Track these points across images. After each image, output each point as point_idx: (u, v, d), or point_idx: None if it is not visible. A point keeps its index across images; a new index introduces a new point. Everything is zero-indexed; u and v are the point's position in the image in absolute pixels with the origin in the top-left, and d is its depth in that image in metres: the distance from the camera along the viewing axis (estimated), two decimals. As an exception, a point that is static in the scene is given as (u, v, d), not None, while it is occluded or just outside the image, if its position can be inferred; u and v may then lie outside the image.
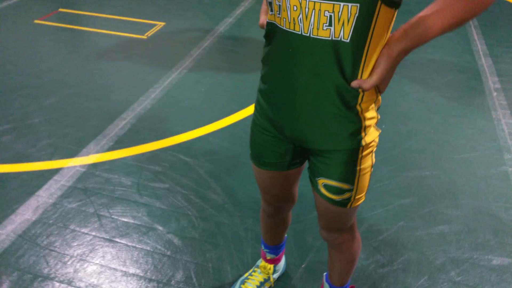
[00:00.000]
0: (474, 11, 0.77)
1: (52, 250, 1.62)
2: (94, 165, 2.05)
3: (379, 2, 0.75)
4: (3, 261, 1.56)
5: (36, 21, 3.64)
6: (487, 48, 3.28)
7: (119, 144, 2.20)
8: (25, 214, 1.77)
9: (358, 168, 0.96)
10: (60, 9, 3.89)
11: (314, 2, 0.75)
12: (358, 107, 0.88)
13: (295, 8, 0.77)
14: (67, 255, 1.60)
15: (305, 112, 0.90)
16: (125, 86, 2.73)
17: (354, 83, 0.83)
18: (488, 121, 2.42)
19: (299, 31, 0.79)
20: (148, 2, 4.15)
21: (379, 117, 0.97)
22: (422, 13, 0.79)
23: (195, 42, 3.29)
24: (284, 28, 0.82)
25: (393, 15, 0.80)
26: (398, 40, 0.80)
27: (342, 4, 0.73)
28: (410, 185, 1.99)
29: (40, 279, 1.51)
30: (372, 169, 1.01)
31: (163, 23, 3.62)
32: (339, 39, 0.78)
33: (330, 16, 0.75)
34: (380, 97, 0.93)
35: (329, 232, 1.16)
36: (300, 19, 0.78)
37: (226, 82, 2.81)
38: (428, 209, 1.86)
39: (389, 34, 0.83)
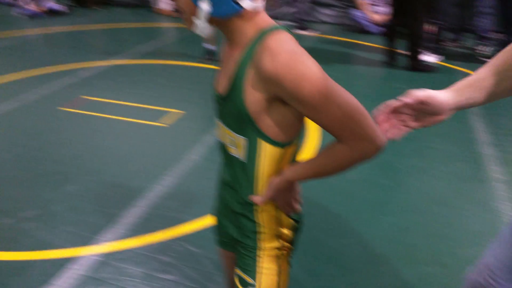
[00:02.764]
0: (330, 172, 0.97)
1: None
2: (108, 255, 2.17)
3: (262, 141, 0.97)
4: None
5: (60, 108, 3.95)
6: (490, 137, 3.40)
7: (132, 232, 2.33)
8: (40, 304, 1.87)
9: (258, 265, 1.08)
10: (83, 96, 4.23)
11: (225, 128, 1.02)
12: (254, 214, 1.07)
13: (219, 128, 1.07)
14: None
15: (224, 201, 1.15)
16: (141, 173, 2.92)
17: (252, 198, 1.05)
18: (492, 213, 2.49)
19: (223, 144, 1.08)
20: (169, 90, 4.49)
21: (288, 234, 1.12)
22: (305, 159, 1.01)
23: (211, 131, 3.52)
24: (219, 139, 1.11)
25: (284, 150, 1.00)
26: (284, 171, 1.01)
27: (237, 135, 0.99)
28: (413, 284, 2.02)
29: None
30: (281, 276, 1.11)
31: (183, 112, 3.89)
32: (239, 157, 1.02)
33: (232, 140, 1.01)
34: (287, 219, 1.10)
35: None
36: (221, 137, 1.07)
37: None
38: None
39: (287, 163, 1.03)
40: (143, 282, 2.00)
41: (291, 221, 1.11)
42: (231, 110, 0.96)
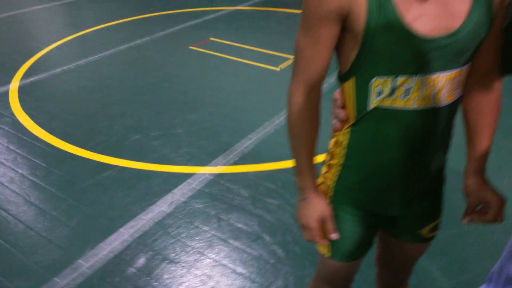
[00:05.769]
0: None
1: (178, 240, 1.94)
2: (220, 175, 2.37)
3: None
4: (142, 241, 1.94)
5: (191, 47, 4.25)
6: None
7: (243, 160, 2.50)
8: (162, 206, 2.14)
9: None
10: (211, 38, 4.49)
11: (452, 73, 0.81)
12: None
13: (431, 84, 0.80)
14: (190, 246, 1.91)
15: (422, 174, 0.93)
16: (255, 111, 3.07)
17: None
18: None
19: (430, 105, 0.83)
20: (285, 36, 4.54)
21: None
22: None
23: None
24: (410, 108, 0.82)
25: None
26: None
27: (466, 67, 0.83)
28: None
29: (167, 261, 1.84)
30: None
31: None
32: (458, 97, 0.86)
33: (458, 81, 0.83)
34: None
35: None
36: (434, 94, 0.81)
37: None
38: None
39: None
40: (250, 202, 2.16)
41: None
42: (472, 39, 0.79)
